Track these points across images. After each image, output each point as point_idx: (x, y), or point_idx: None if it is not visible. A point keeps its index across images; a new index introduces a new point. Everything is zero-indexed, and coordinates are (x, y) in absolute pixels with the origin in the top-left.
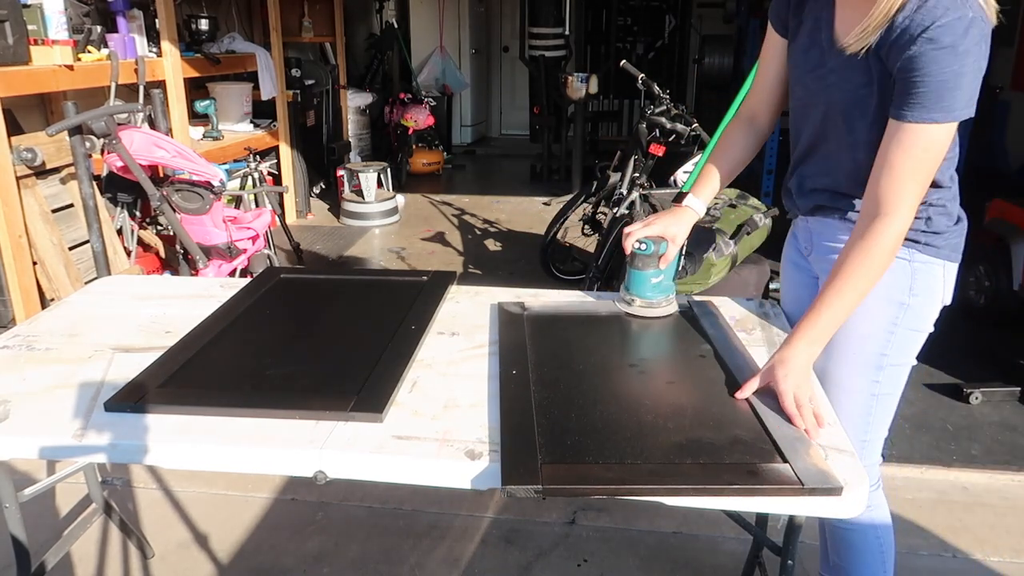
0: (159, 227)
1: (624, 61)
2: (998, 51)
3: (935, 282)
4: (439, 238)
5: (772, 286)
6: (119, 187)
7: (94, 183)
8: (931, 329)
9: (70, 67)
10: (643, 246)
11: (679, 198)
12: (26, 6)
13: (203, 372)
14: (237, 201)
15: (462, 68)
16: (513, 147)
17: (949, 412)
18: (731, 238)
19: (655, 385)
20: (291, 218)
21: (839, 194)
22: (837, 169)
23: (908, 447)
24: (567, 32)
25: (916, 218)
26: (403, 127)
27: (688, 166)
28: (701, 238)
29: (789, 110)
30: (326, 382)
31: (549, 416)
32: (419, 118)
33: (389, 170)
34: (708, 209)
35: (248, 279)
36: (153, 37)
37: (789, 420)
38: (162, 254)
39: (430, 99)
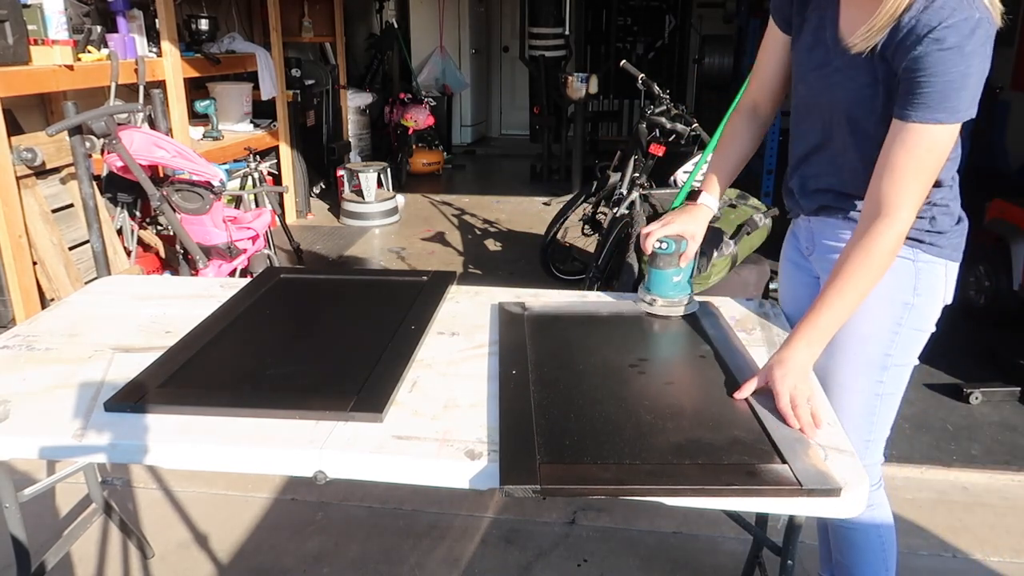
0: (159, 227)
1: (624, 61)
2: (998, 51)
3: (938, 282)
4: (439, 238)
5: (772, 286)
6: (119, 187)
7: (94, 183)
8: (933, 329)
9: (70, 67)
10: (664, 245)
11: (692, 196)
12: (26, 6)
13: (203, 372)
14: (237, 201)
15: (462, 68)
16: (513, 147)
17: (949, 412)
18: (731, 238)
19: (655, 385)
20: (291, 218)
21: (843, 194)
22: (842, 169)
23: (908, 447)
24: (567, 32)
25: (920, 218)
26: (403, 127)
27: (688, 166)
28: (711, 236)
29: (791, 109)
30: (326, 382)
31: (548, 416)
32: (419, 118)
33: (389, 170)
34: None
35: (248, 279)
36: (153, 37)
37: (785, 421)
38: (162, 254)
39: (430, 99)
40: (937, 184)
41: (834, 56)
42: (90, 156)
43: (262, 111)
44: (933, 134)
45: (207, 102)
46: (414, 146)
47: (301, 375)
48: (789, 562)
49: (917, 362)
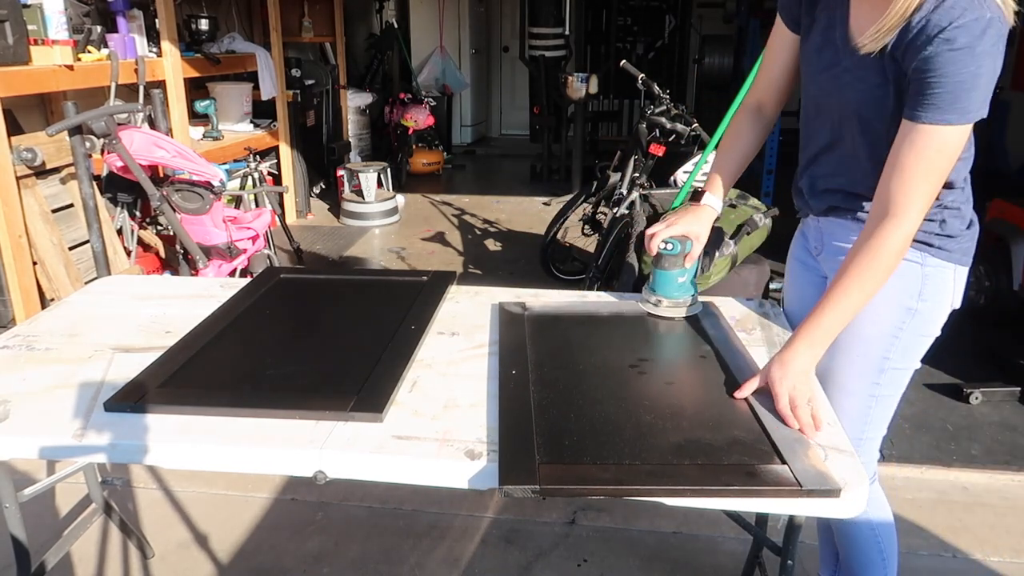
0: (159, 227)
1: (624, 61)
2: None
3: (945, 286)
4: (439, 238)
5: (772, 286)
6: (119, 187)
7: (94, 183)
8: (938, 333)
9: (70, 67)
10: (669, 246)
11: (696, 197)
12: (26, 6)
13: (203, 372)
14: (237, 201)
15: (462, 68)
16: (513, 147)
17: (949, 412)
18: (731, 238)
19: (655, 386)
20: (291, 218)
21: (853, 194)
22: (852, 169)
23: (908, 447)
24: (567, 32)
25: (930, 220)
26: (403, 127)
27: (688, 166)
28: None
29: (800, 109)
30: (326, 382)
31: (548, 416)
32: (419, 118)
33: (389, 170)
34: None
35: (248, 279)
36: (153, 37)
37: (784, 421)
38: (162, 254)
39: (430, 99)
40: (948, 185)
41: (844, 56)
42: (90, 156)
43: (262, 111)
44: (943, 135)
45: (207, 102)
46: (414, 146)
47: (301, 375)
48: (789, 562)
49: (919, 365)
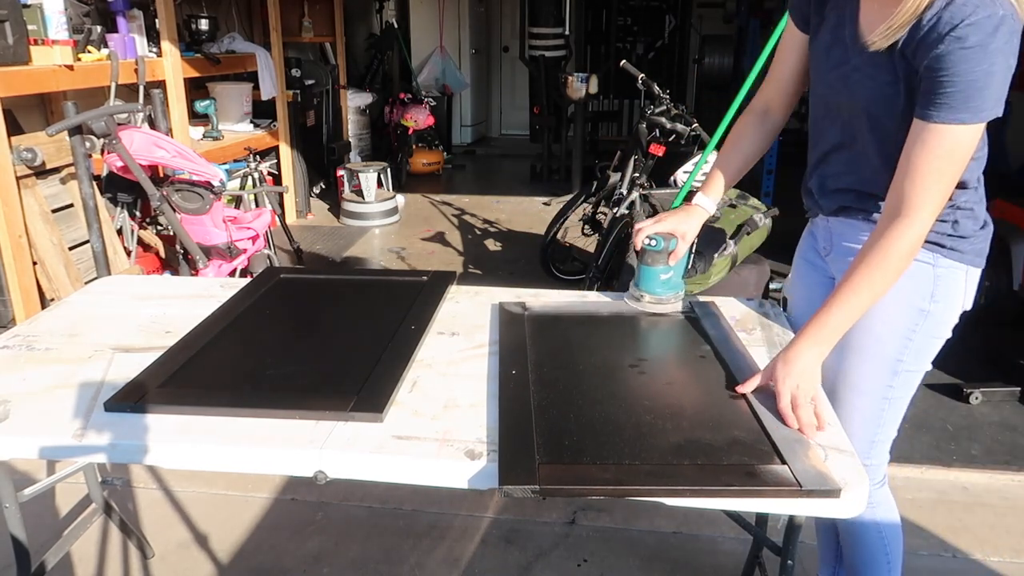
0: (159, 227)
1: (624, 61)
2: None
3: (957, 288)
4: (439, 238)
5: (772, 286)
6: (119, 187)
7: (94, 183)
8: (949, 335)
9: (70, 67)
10: (653, 242)
11: (691, 197)
12: (26, 6)
13: (203, 372)
14: (237, 201)
15: (462, 68)
16: (513, 147)
17: (949, 412)
18: (731, 238)
19: (655, 386)
20: (291, 218)
21: (864, 194)
22: (863, 168)
23: (908, 447)
24: (567, 32)
25: (942, 221)
26: (403, 127)
27: (688, 166)
28: (711, 237)
29: (809, 108)
30: (326, 382)
31: (548, 416)
32: (419, 118)
33: (389, 170)
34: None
35: (248, 279)
36: (153, 37)
37: (784, 421)
38: (162, 254)
39: (430, 99)
40: (961, 185)
41: (853, 55)
42: (90, 156)
43: (262, 111)
44: (956, 134)
45: (207, 102)
46: (414, 146)
47: (301, 375)
48: (789, 562)
49: (930, 367)
